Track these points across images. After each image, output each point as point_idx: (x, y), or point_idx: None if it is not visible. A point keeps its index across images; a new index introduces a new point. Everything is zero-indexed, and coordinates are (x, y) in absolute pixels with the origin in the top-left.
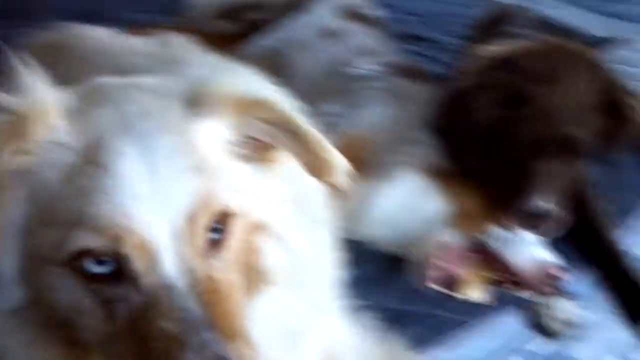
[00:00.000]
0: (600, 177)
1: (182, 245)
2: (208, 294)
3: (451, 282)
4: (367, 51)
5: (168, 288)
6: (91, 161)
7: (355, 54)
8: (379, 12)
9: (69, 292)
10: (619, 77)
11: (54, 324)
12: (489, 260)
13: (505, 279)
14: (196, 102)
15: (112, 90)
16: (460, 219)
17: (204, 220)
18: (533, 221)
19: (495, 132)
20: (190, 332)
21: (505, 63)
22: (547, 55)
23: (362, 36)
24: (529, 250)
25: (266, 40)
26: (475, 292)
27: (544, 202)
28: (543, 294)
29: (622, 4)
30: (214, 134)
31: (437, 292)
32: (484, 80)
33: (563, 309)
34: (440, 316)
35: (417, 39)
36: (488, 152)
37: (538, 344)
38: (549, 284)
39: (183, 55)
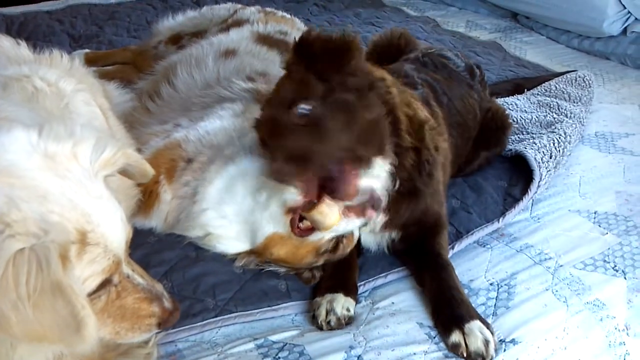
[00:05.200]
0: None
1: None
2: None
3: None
4: (252, 72)
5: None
6: None
7: (237, 74)
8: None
9: None
10: None
11: None
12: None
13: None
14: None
15: None
16: None
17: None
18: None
19: None
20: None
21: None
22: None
23: (254, 59)
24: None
25: (175, 55)
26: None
27: None
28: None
29: None
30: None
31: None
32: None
33: (342, 305)
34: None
35: None
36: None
37: (280, 335)
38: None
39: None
